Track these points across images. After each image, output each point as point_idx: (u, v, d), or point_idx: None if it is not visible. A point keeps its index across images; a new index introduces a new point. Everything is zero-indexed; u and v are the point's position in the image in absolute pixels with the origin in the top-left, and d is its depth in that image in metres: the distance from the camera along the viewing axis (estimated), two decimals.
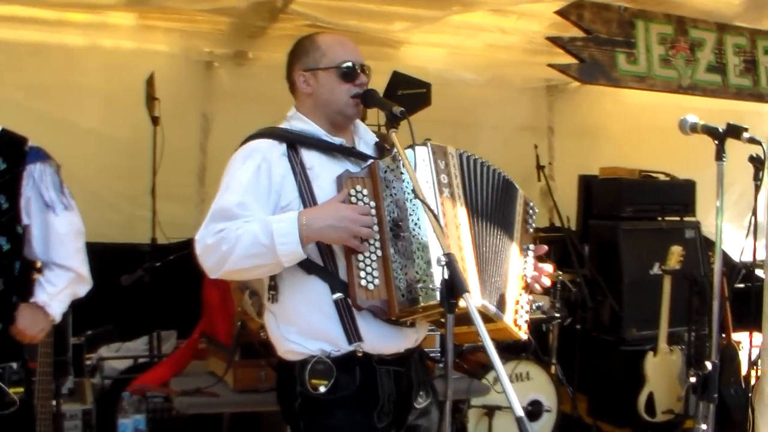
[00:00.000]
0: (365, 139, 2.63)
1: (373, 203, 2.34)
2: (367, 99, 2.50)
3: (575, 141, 7.09)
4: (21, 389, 2.76)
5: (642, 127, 6.64)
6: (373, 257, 2.30)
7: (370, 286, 2.28)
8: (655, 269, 5.45)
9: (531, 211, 2.63)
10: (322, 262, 2.38)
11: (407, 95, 4.43)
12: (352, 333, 2.36)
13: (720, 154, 2.56)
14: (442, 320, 2.12)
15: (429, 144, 2.37)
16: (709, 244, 6.10)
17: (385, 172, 2.34)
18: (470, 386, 4.05)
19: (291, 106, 6.29)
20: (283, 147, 2.43)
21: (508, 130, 6.76)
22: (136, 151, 5.30)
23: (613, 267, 5.57)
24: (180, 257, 5.24)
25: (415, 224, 2.27)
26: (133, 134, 5.37)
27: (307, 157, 2.43)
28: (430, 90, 4.50)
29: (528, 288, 2.56)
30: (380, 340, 2.40)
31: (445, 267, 1.96)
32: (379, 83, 4.54)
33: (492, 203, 2.50)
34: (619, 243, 5.57)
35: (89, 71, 5.63)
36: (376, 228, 2.31)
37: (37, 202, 2.81)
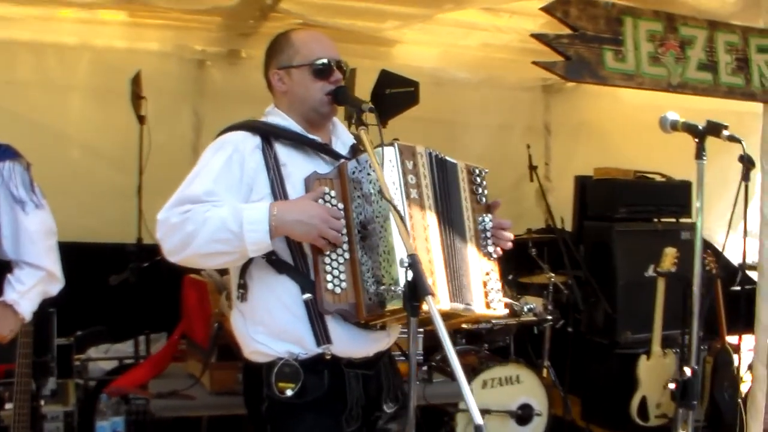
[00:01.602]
0: (342, 138, 2.60)
1: (341, 205, 2.31)
2: (339, 96, 2.46)
3: (572, 141, 7.04)
4: None
5: (638, 127, 6.55)
6: (341, 260, 2.27)
7: (337, 290, 2.25)
8: (650, 271, 5.38)
9: (478, 179, 2.53)
10: (293, 261, 2.34)
11: (395, 94, 4.37)
12: (321, 335, 2.32)
13: (700, 153, 2.49)
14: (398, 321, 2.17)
15: (396, 144, 2.33)
16: (705, 246, 6.05)
17: (354, 173, 2.30)
18: (452, 390, 3.98)
19: None
20: (257, 140, 2.38)
21: (504, 130, 6.71)
22: (126, 150, 5.25)
23: (608, 269, 5.51)
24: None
25: (382, 226, 2.23)
26: (124, 133, 5.33)
27: (281, 153, 2.39)
28: (419, 88, 4.44)
29: (494, 262, 2.50)
30: (350, 343, 2.36)
31: (408, 269, 1.90)
32: (371, 82, 4.50)
33: (444, 192, 2.44)
34: (614, 244, 5.51)
35: (80, 70, 5.62)
36: (344, 230, 2.28)
37: (7, 199, 2.82)
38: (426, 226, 2.32)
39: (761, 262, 3.94)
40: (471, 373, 4.57)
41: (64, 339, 4.88)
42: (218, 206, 2.25)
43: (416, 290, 1.88)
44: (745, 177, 3.05)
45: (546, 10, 3.32)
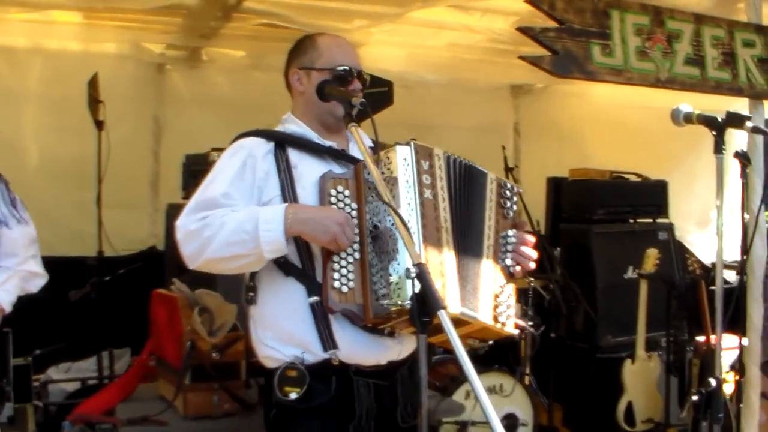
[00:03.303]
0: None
1: (354, 205, 2.27)
2: (323, 91, 2.37)
3: (542, 143, 6.99)
4: None
5: (610, 127, 6.54)
6: (350, 259, 2.22)
7: (344, 289, 2.20)
8: (630, 273, 5.31)
9: (508, 193, 2.47)
10: (300, 264, 2.31)
11: (369, 94, 4.16)
12: (327, 339, 2.28)
13: (719, 147, 2.33)
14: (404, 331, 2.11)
15: (413, 143, 2.30)
16: (682, 246, 5.99)
17: (369, 173, 2.22)
18: (440, 405, 3.81)
19: (248, 108, 6.05)
20: (271, 145, 2.39)
21: (473, 132, 6.61)
22: (83, 158, 5.02)
23: (586, 271, 5.40)
24: (131, 271, 4.99)
25: (395, 228, 2.13)
26: (80, 140, 5.10)
27: (294, 156, 2.39)
28: (392, 88, 4.28)
29: (510, 277, 2.41)
30: (356, 348, 2.29)
31: (415, 279, 1.73)
32: None
33: (465, 199, 2.39)
34: (592, 246, 5.40)
35: (32, 74, 5.36)
36: (356, 231, 2.24)
37: None
38: (439, 227, 2.26)
39: (751, 260, 3.83)
40: (451, 383, 4.41)
41: (21, 359, 4.62)
42: (235, 211, 2.27)
43: (426, 303, 1.70)
44: (742, 174, 2.91)
45: (531, 2, 3.16)
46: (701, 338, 4.63)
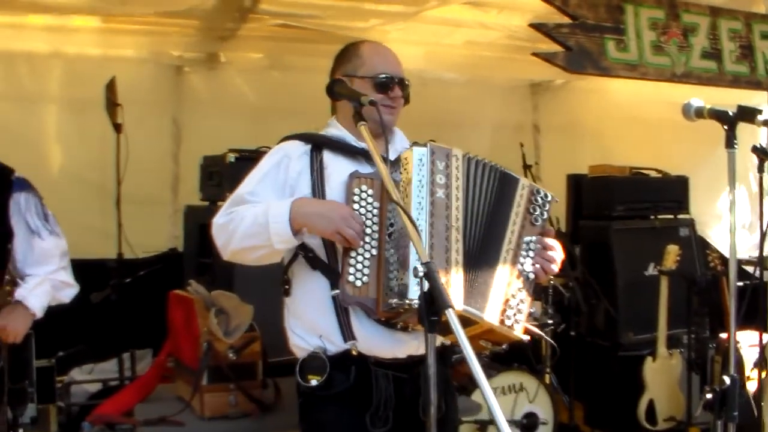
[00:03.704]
0: (397, 147, 2.59)
1: (377, 204, 2.35)
2: (333, 91, 2.43)
3: (562, 139, 6.94)
4: None
5: (630, 123, 6.49)
6: (367, 255, 2.30)
7: (358, 283, 2.29)
8: (650, 270, 5.25)
9: (539, 200, 2.49)
10: (327, 259, 2.41)
11: None
12: (346, 330, 2.38)
13: (731, 141, 2.30)
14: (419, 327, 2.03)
15: (429, 144, 2.36)
16: (704, 242, 5.94)
17: (393, 173, 2.31)
18: (460, 405, 3.78)
19: (267, 109, 6.08)
20: (307, 147, 2.51)
21: (492, 130, 6.59)
22: (103, 161, 5.05)
23: (607, 269, 5.35)
24: (151, 272, 5.03)
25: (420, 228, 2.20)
26: (99, 144, 5.13)
27: (328, 158, 2.50)
28: (409, 87, 4.24)
29: (528, 282, 2.41)
30: (372, 340, 2.38)
31: (423, 278, 1.73)
32: None
33: (488, 202, 2.43)
34: (612, 243, 5.35)
35: (52, 79, 5.42)
36: (376, 228, 2.32)
37: (23, 228, 3.02)
38: (449, 226, 2.30)
39: None
40: (470, 382, 4.39)
41: (45, 361, 4.67)
42: (258, 204, 2.41)
43: (433, 302, 1.70)
44: (760, 168, 2.86)
45: None
46: (723, 335, 4.59)
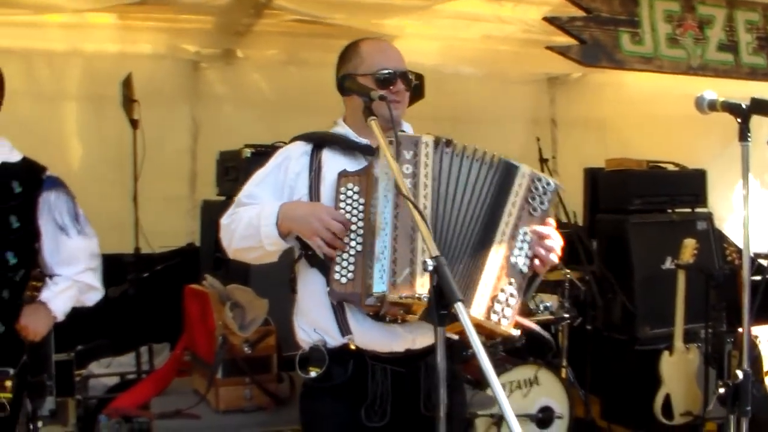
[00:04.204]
0: None
1: (362, 200, 2.35)
2: (343, 86, 2.44)
3: (579, 133, 6.92)
4: (9, 395, 2.89)
5: (647, 117, 6.44)
6: (352, 252, 2.31)
7: (343, 280, 2.31)
8: (668, 264, 5.21)
9: (540, 189, 2.41)
10: (323, 255, 2.41)
11: None
12: (343, 325, 2.41)
13: (744, 134, 2.29)
14: (409, 316, 2.24)
15: (395, 134, 2.32)
16: (722, 236, 5.89)
17: (376, 168, 2.30)
18: (473, 399, 3.79)
19: (284, 105, 6.10)
20: (309, 147, 2.53)
21: (509, 124, 6.57)
22: (121, 157, 5.09)
23: (623, 263, 5.33)
24: (168, 267, 5.06)
25: (379, 221, 2.25)
26: (118, 140, 5.17)
27: (326, 157, 2.51)
28: (423, 81, 4.24)
29: (519, 277, 2.34)
30: (368, 335, 2.40)
31: (434, 273, 1.73)
32: None
33: (475, 190, 2.37)
34: (629, 237, 5.33)
35: (70, 76, 5.46)
36: (361, 224, 2.32)
37: (51, 226, 3.01)
38: (414, 217, 2.19)
39: None
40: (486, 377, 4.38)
41: (64, 354, 4.72)
42: (255, 206, 2.47)
43: (443, 296, 1.70)
44: None
45: None
46: (741, 329, 4.55)
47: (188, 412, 3.07)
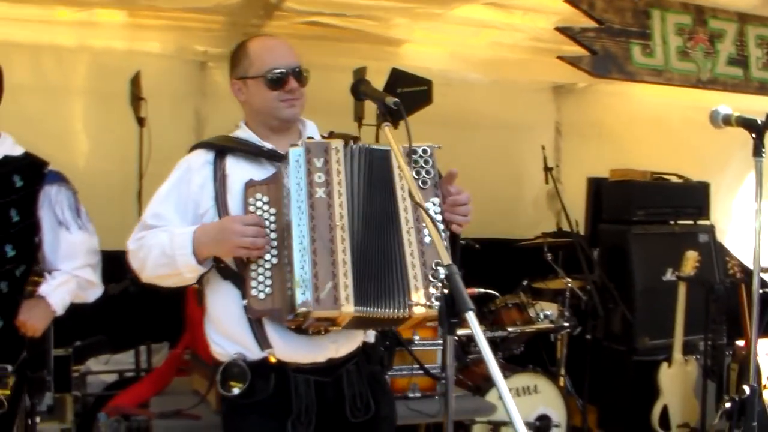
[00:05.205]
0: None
1: (273, 210, 2.31)
2: (358, 91, 2.38)
3: (583, 143, 6.92)
4: (7, 391, 2.88)
5: (652, 127, 6.45)
6: (267, 265, 2.27)
7: (261, 295, 2.27)
8: (668, 275, 5.24)
9: (420, 160, 2.34)
10: (237, 268, 2.37)
11: (407, 93, 4.21)
12: (261, 339, 2.35)
13: (759, 149, 2.30)
14: (333, 328, 2.22)
15: (304, 143, 2.31)
16: (723, 249, 5.90)
17: (285, 176, 2.26)
18: (474, 406, 3.80)
19: None
20: (211, 155, 2.45)
21: (514, 131, 6.57)
22: (126, 154, 5.09)
23: (624, 273, 5.35)
24: None
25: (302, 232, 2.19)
26: (124, 137, 5.17)
27: (230, 165, 2.43)
28: (431, 87, 4.26)
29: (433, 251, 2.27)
30: (290, 347, 2.36)
31: (446, 281, 1.73)
32: (379, 83, 4.33)
33: (371, 188, 2.33)
34: (630, 248, 5.35)
35: (78, 72, 5.46)
36: (274, 236, 2.28)
37: (51, 220, 3.00)
38: (333, 225, 2.22)
39: None
40: (485, 383, 4.40)
41: (62, 350, 4.71)
42: (164, 231, 2.37)
43: (454, 305, 1.70)
44: None
45: (570, 2, 3.14)
46: (741, 343, 4.57)
47: (188, 413, 3.07)
